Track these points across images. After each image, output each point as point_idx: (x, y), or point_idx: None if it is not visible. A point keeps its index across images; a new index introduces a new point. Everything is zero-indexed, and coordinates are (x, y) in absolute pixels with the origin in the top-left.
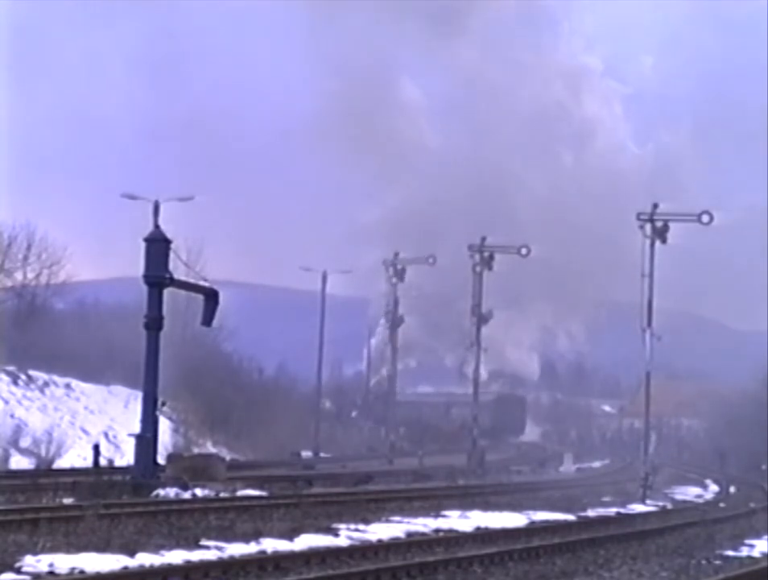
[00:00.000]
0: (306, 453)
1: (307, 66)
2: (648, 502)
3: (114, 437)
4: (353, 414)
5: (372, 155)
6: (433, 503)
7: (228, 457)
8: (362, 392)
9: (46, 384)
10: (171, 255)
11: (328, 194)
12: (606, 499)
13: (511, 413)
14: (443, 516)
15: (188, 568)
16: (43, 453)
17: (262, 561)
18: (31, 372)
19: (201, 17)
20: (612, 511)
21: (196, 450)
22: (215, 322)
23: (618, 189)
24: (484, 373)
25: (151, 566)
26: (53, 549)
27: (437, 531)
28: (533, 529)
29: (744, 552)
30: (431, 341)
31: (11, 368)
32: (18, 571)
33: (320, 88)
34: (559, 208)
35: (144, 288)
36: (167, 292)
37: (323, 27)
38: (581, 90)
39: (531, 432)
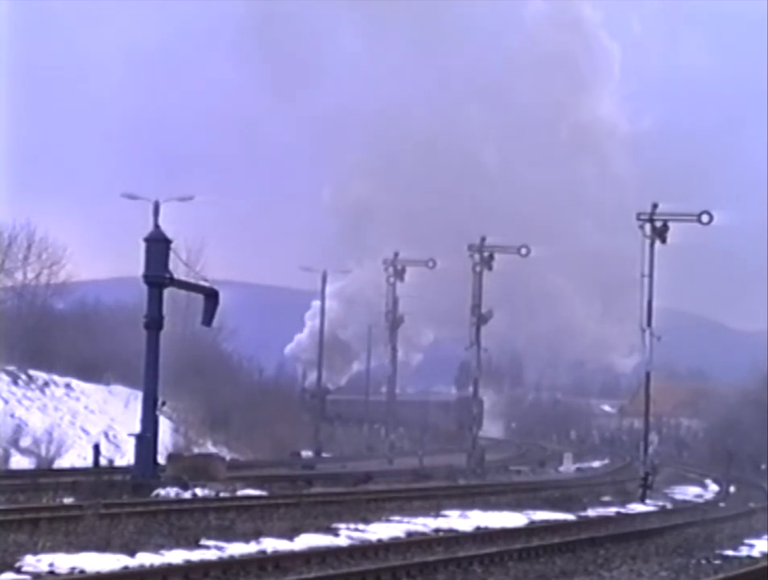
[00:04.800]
0: (306, 453)
1: None
2: (648, 502)
3: (114, 436)
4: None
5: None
6: (433, 502)
7: (228, 457)
8: (299, 389)
9: (46, 384)
10: (171, 255)
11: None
12: (606, 498)
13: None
14: (443, 516)
15: (188, 568)
16: (43, 453)
17: (262, 560)
18: (31, 372)
19: (201, 16)
20: (612, 510)
21: (196, 450)
22: (215, 322)
23: (617, 189)
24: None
25: (151, 566)
26: (53, 549)
27: (437, 531)
28: (533, 529)
29: (743, 552)
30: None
31: (11, 368)
32: (19, 571)
33: None
34: (557, 207)
35: (144, 288)
36: (167, 292)
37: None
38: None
39: (490, 429)
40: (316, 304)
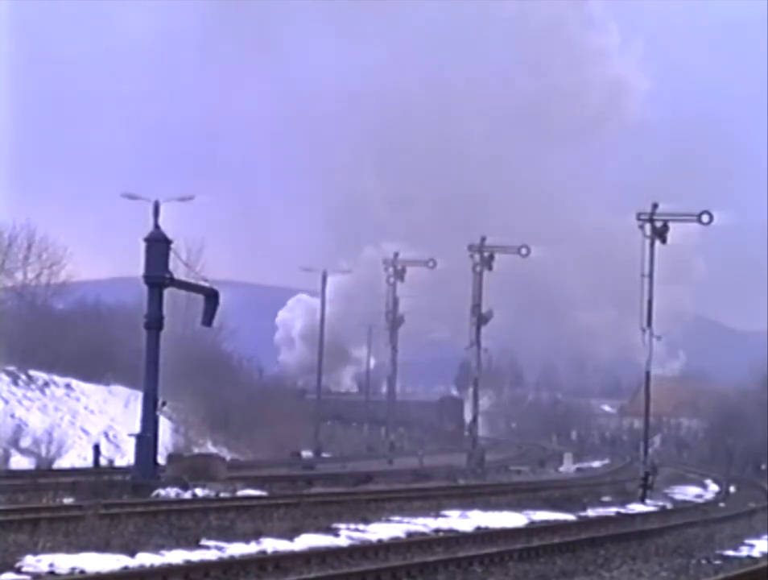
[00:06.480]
0: (306, 453)
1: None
2: (648, 502)
3: (114, 436)
4: None
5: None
6: (433, 503)
7: (228, 457)
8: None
9: (46, 384)
10: (171, 255)
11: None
12: (606, 498)
13: (452, 411)
14: (443, 516)
15: (188, 568)
16: (43, 453)
17: (262, 561)
18: (31, 372)
19: (201, 16)
20: (612, 511)
21: (196, 450)
22: (215, 322)
23: (617, 188)
24: None
25: (151, 566)
26: (53, 549)
27: (437, 531)
28: (533, 529)
29: (744, 552)
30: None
31: (11, 368)
32: (19, 571)
33: None
34: (558, 206)
35: (144, 288)
36: (167, 292)
37: None
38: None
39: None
40: (294, 301)
